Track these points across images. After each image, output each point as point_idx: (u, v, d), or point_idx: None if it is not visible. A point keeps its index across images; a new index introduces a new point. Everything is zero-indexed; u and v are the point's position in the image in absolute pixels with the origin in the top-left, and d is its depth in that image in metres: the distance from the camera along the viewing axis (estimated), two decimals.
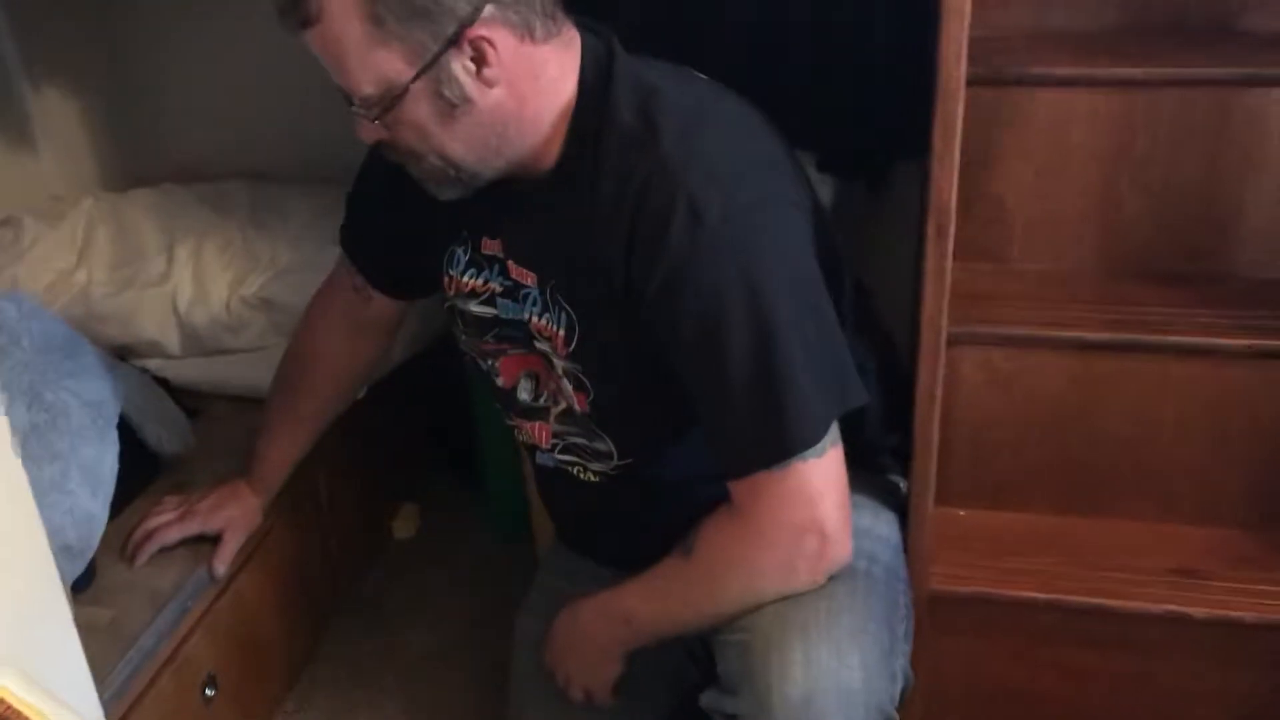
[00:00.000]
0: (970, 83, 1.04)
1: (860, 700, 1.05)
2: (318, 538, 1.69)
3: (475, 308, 1.20)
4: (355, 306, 1.38)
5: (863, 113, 1.51)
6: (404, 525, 1.95)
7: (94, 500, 1.34)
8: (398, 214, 1.23)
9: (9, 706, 0.82)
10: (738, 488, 1.05)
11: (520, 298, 1.16)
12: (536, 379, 1.20)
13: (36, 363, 1.32)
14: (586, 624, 1.20)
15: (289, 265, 1.80)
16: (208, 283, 1.78)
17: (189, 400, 1.74)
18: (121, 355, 1.75)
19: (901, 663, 1.11)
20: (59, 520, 1.29)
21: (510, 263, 1.16)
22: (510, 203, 1.12)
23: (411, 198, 1.19)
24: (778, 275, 1.02)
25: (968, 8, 0.95)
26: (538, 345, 1.17)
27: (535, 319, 1.15)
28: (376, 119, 1.02)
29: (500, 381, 1.24)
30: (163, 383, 1.73)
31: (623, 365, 1.12)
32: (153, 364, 1.76)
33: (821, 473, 1.03)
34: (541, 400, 1.21)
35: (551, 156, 1.08)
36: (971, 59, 1.02)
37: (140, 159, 2.07)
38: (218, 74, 2.01)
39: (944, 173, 0.97)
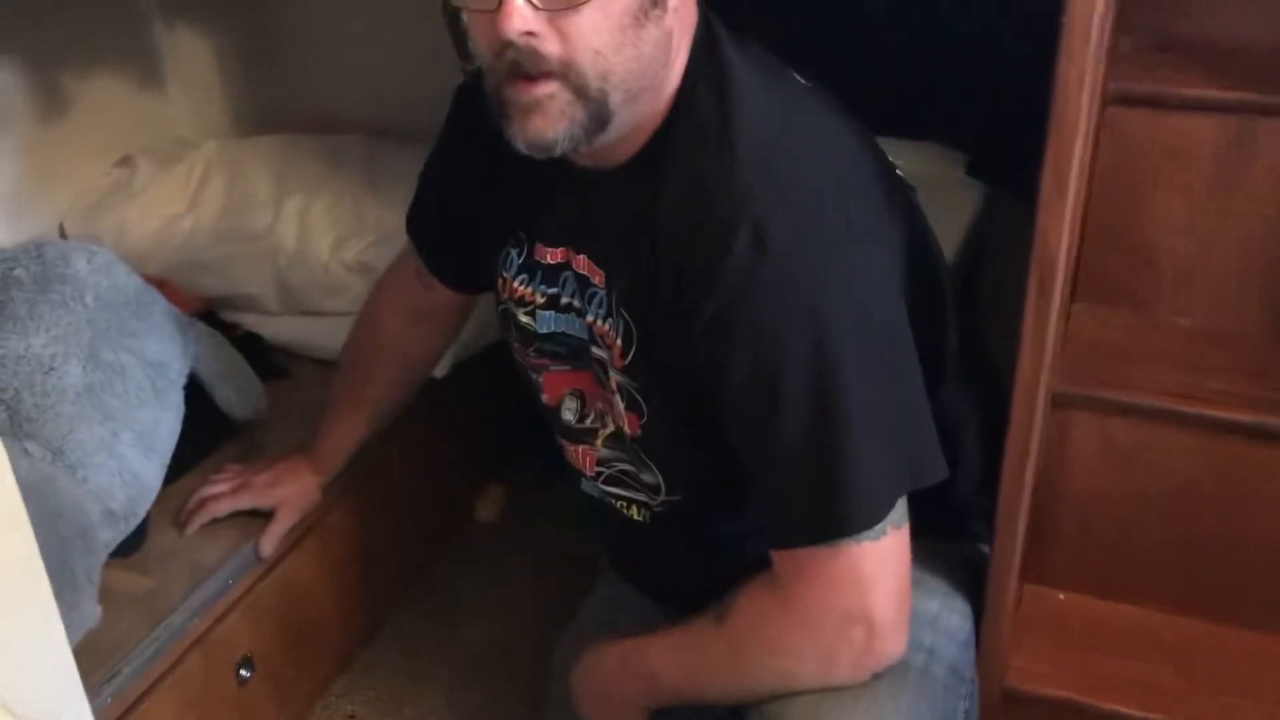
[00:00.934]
0: (1121, 101, 0.87)
1: None
2: (385, 518, 1.63)
3: (523, 317, 1.10)
4: (418, 293, 1.30)
5: (1015, 109, 1.33)
6: (488, 508, 1.88)
7: (146, 464, 1.31)
8: (460, 203, 1.15)
9: None
10: (780, 559, 0.93)
11: (588, 297, 1.05)
12: (582, 398, 1.10)
13: (99, 320, 1.29)
14: (610, 673, 1.10)
15: (392, 232, 1.72)
16: (310, 242, 1.74)
17: (280, 359, 1.71)
18: (219, 308, 1.73)
19: None
20: (106, 483, 1.25)
21: (582, 258, 1.04)
22: (584, 193, 1.01)
23: (476, 187, 1.10)
24: (849, 321, 0.88)
25: (1096, 25, 0.78)
26: (596, 352, 1.06)
27: (600, 322, 1.03)
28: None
29: (544, 398, 1.14)
30: (256, 340, 1.71)
31: (678, 388, 0.99)
32: (249, 319, 1.74)
33: (878, 557, 0.90)
34: (588, 421, 1.10)
35: (641, 136, 0.96)
36: (1127, 75, 0.86)
37: (268, 106, 2.04)
38: (354, 26, 1.96)
39: (1052, 219, 0.81)
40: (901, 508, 0.91)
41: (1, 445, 0.85)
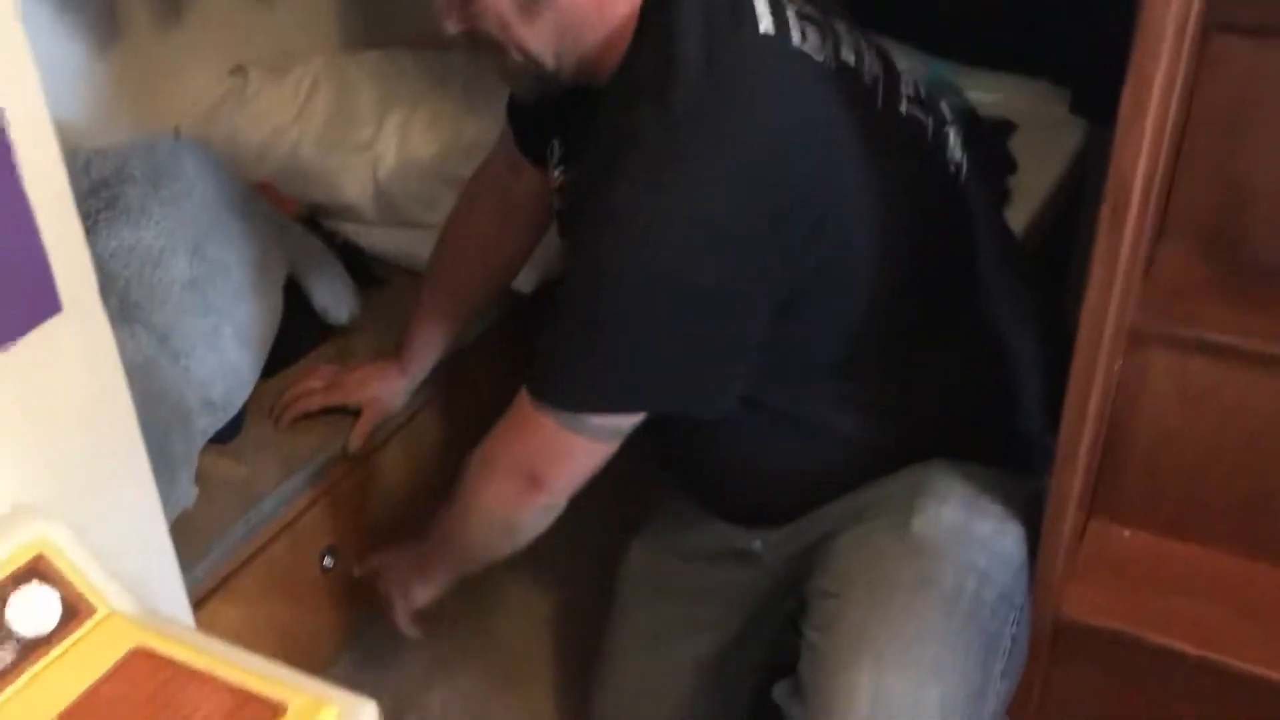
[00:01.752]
0: (1225, 30, 0.85)
1: None
2: (469, 427, 1.67)
3: (559, 205, 1.14)
4: (507, 183, 1.34)
5: (1120, 47, 1.30)
6: None
7: (244, 358, 1.37)
8: None
9: (47, 562, 0.83)
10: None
11: None
12: None
13: (204, 217, 1.35)
14: (410, 551, 1.31)
15: (490, 148, 1.76)
16: (410, 154, 1.78)
17: (377, 268, 1.76)
18: (321, 216, 1.79)
19: (993, 707, 0.98)
20: (206, 374, 1.32)
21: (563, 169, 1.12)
22: (575, 109, 1.07)
23: None
24: (630, 266, 0.96)
25: None
26: None
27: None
28: (460, 6, 0.98)
29: None
30: (355, 249, 1.76)
31: None
32: (348, 228, 1.79)
33: (565, 442, 1.05)
34: None
35: (607, 70, 1.01)
36: (1232, 2, 0.84)
37: (373, 22, 2.08)
38: None
39: (1129, 143, 0.80)
40: (607, 428, 1.04)
41: (110, 329, 0.91)
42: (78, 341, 0.88)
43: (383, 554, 1.37)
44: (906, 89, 1.08)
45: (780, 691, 1.03)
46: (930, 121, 1.09)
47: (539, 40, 0.99)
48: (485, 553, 1.23)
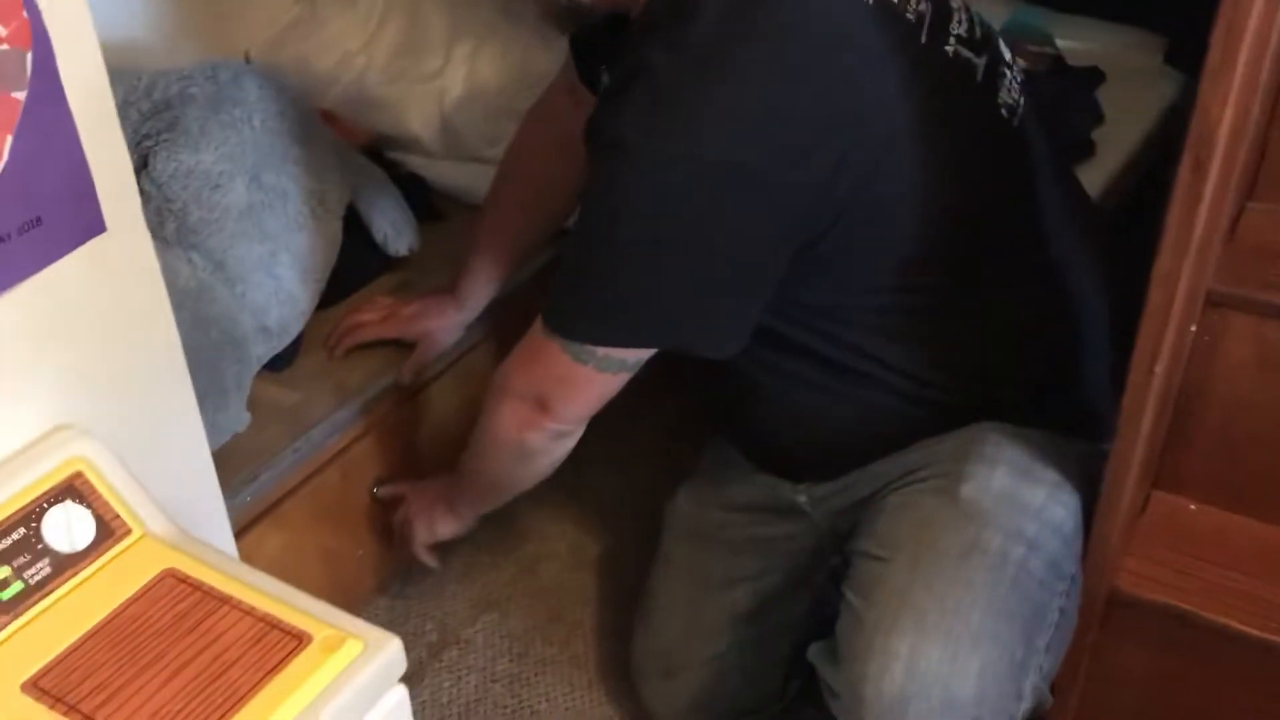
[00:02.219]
0: None
1: (968, 713, 0.91)
2: None
3: None
4: (567, 114, 1.31)
5: None
6: None
7: (300, 286, 1.37)
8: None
9: (84, 480, 0.84)
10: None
11: None
12: None
13: (264, 143, 1.34)
14: (437, 485, 1.32)
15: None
16: (477, 87, 1.76)
17: (439, 202, 1.75)
18: (385, 146, 1.78)
19: (1035, 680, 0.95)
20: (262, 300, 1.32)
21: None
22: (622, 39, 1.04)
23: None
24: (644, 216, 0.95)
25: None
26: None
27: None
28: None
29: None
30: (417, 180, 1.75)
31: None
32: (414, 160, 1.78)
33: (571, 371, 1.04)
34: None
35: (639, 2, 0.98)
36: None
37: None
38: None
39: (1216, 92, 0.74)
40: (613, 361, 1.03)
41: (154, 250, 0.91)
42: (122, 262, 0.88)
43: (410, 482, 1.38)
44: (957, 28, 1.03)
45: (816, 652, 1.02)
46: (982, 62, 1.04)
47: None
48: (504, 481, 1.23)
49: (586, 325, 1.02)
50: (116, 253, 0.87)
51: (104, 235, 0.85)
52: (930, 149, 0.96)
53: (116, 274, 0.87)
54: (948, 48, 1.01)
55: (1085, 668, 1.04)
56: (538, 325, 1.07)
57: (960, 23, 1.04)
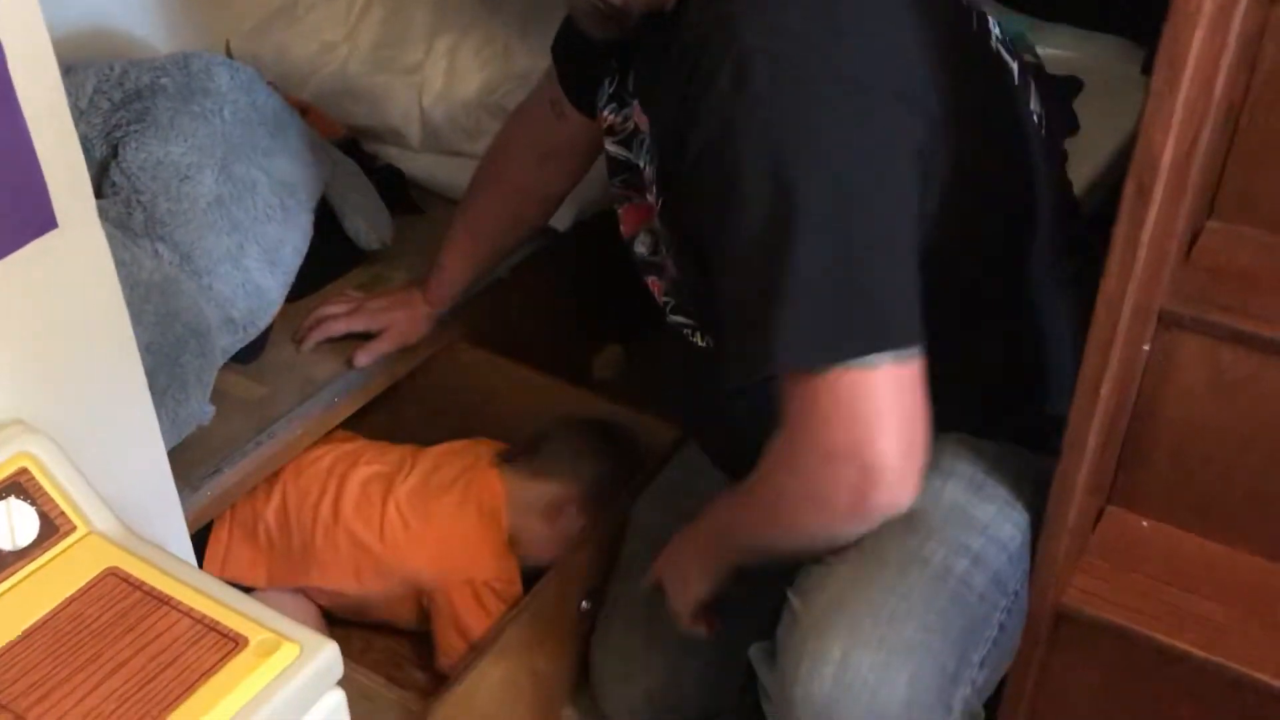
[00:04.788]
0: None
1: None
2: (502, 360, 1.67)
3: (610, 146, 1.12)
4: (549, 125, 1.31)
5: None
6: (605, 366, 1.91)
7: (269, 278, 1.37)
8: None
9: (30, 477, 0.84)
10: (783, 395, 0.90)
11: (638, 143, 1.06)
12: (654, 233, 1.10)
13: (234, 134, 1.34)
14: (687, 539, 1.11)
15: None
16: (457, 81, 1.75)
17: (417, 195, 1.75)
18: (364, 138, 1.77)
19: (966, 694, 0.95)
20: (229, 292, 1.32)
21: (636, 103, 1.06)
22: (650, 38, 1.00)
23: None
24: (820, 169, 0.84)
25: None
26: (648, 198, 1.06)
27: (646, 167, 1.04)
28: None
29: (623, 229, 1.16)
30: (395, 173, 1.75)
31: (688, 239, 1.00)
32: (392, 152, 1.78)
33: (870, 389, 0.85)
34: (658, 256, 1.11)
35: None
36: None
37: None
38: None
39: (1159, 118, 0.74)
40: (885, 358, 0.85)
41: (107, 246, 0.91)
42: (74, 258, 0.88)
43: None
44: (994, 28, 1.03)
45: (756, 652, 1.02)
46: (1015, 65, 1.04)
47: None
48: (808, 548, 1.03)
49: (815, 337, 0.86)
50: (68, 249, 0.87)
51: (55, 231, 0.85)
52: (972, 139, 0.93)
53: (68, 271, 0.87)
54: (991, 44, 1.00)
55: (1032, 683, 1.05)
56: (794, 389, 0.88)
57: (995, 24, 1.03)
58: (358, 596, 1.37)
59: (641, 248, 1.13)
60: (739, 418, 1.07)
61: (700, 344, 1.11)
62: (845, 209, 0.85)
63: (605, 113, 1.10)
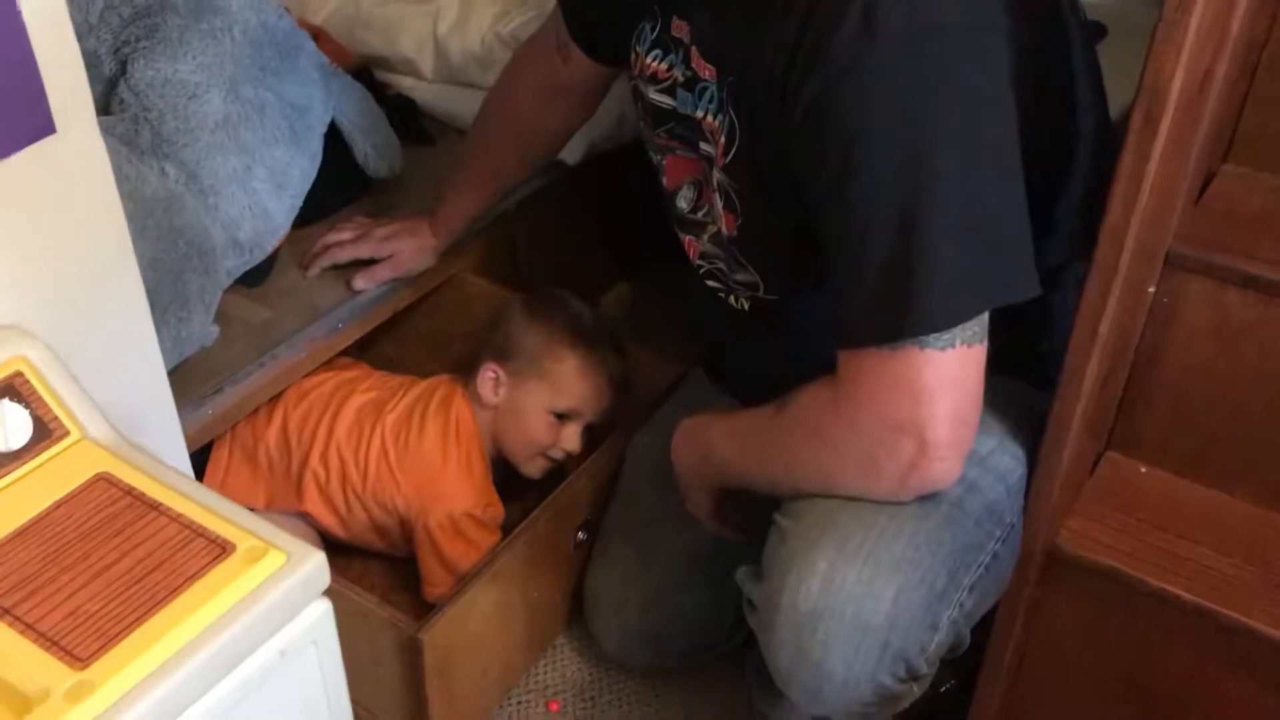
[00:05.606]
0: None
1: (879, 637, 0.91)
2: (508, 293, 1.66)
3: (655, 95, 1.09)
4: (554, 65, 1.30)
5: None
6: (613, 303, 1.90)
7: (276, 201, 1.37)
8: None
9: (24, 380, 0.84)
10: (844, 359, 0.90)
11: (698, 91, 1.03)
12: (699, 188, 1.09)
13: (243, 55, 1.33)
14: (678, 444, 1.12)
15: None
16: (471, 11, 1.74)
17: (428, 126, 1.74)
18: (377, 67, 1.76)
19: (954, 615, 0.95)
20: (235, 214, 1.32)
21: (694, 50, 1.03)
22: None
23: None
24: (951, 116, 0.83)
25: None
26: (704, 149, 1.04)
27: (709, 117, 1.02)
28: None
29: (665, 182, 1.14)
30: (408, 104, 1.74)
31: (775, 190, 0.97)
32: (405, 82, 1.77)
33: (940, 370, 0.85)
34: (699, 214, 1.09)
35: None
36: None
37: None
38: None
39: (1169, 44, 0.73)
40: (979, 326, 0.86)
41: (106, 153, 0.90)
42: (72, 164, 0.87)
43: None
44: None
45: (742, 573, 1.02)
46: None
47: None
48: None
49: (960, 297, 0.84)
50: (66, 155, 0.86)
51: (53, 137, 0.85)
52: (1023, 78, 0.89)
53: (66, 177, 0.87)
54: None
55: (1021, 621, 1.05)
56: (867, 359, 0.87)
57: None
58: (348, 522, 1.37)
59: (683, 203, 1.11)
60: (779, 364, 1.06)
61: (736, 306, 1.10)
62: (979, 159, 0.84)
63: (648, 60, 1.08)
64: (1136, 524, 1.02)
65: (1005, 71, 0.85)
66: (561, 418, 1.37)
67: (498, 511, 1.36)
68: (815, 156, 0.88)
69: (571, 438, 1.37)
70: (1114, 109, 1.61)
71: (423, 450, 1.33)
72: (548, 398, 1.35)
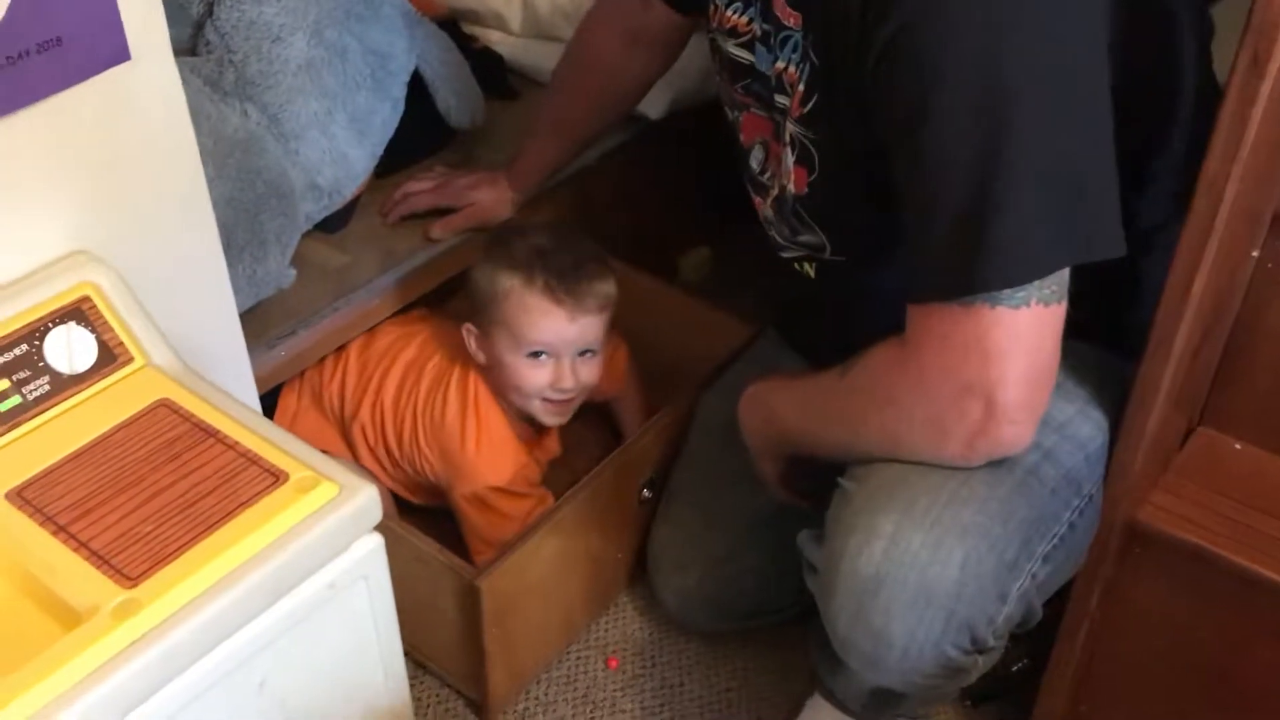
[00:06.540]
0: None
1: (943, 605, 0.88)
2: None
3: (733, 49, 1.06)
4: (635, 12, 1.28)
5: None
6: (693, 268, 1.87)
7: (357, 148, 1.37)
8: None
9: (91, 305, 0.85)
10: (913, 315, 0.86)
11: (779, 41, 1.00)
12: (766, 149, 1.06)
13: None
14: (743, 410, 1.10)
15: None
16: None
17: (514, 80, 1.73)
18: (464, 19, 1.76)
19: (1025, 587, 0.91)
20: (315, 158, 1.32)
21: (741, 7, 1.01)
22: None
23: None
24: (1033, 60, 0.79)
25: None
26: (778, 101, 1.01)
27: (790, 67, 0.99)
28: None
29: (741, 138, 1.11)
30: (494, 57, 1.73)
31: (851, 141, 0.94)
32: (492, 35, 1.76)
33: (1013, 330, 0.81)
34: (765, 176, 1.07)
35: None
36: None
37: None
38: None
39: None
40: (1058, 284, 0.82)
41: (180, 84, 0.90)
42: (147, 93, 0.88)
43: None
44: None
45: (804, 536, 1.00)
46: None
47: None
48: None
49: (1037, 251, 0.80)
50: (141, 83, 0.87)
51: (128, 64, 0.85)
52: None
53: (140, 105, 0.88)
54: None
55: (1098, 598, 1.00)
56: (937, 315, 0.84)
57: None
58: (395, 477, 1.38)
59: (754, 162, 1.09)
60: (848, 329, 1.03)
61: (802, 271, 1.08)
62: (1063, 104, 0.80)
63: (727, 12, 1.05)
64: (1226, 503, 0.97)
65: (1097, 14, 0.81)
66: (538, 355, 1.29)
67: (531, 472, 1.33)
68: (889, 101, 0.85)
69: (564, 375, 1.29)
70: (1222, 70, 1.55)
71: (445, 427, 1.31)
72: (512, 341, 1.28)
